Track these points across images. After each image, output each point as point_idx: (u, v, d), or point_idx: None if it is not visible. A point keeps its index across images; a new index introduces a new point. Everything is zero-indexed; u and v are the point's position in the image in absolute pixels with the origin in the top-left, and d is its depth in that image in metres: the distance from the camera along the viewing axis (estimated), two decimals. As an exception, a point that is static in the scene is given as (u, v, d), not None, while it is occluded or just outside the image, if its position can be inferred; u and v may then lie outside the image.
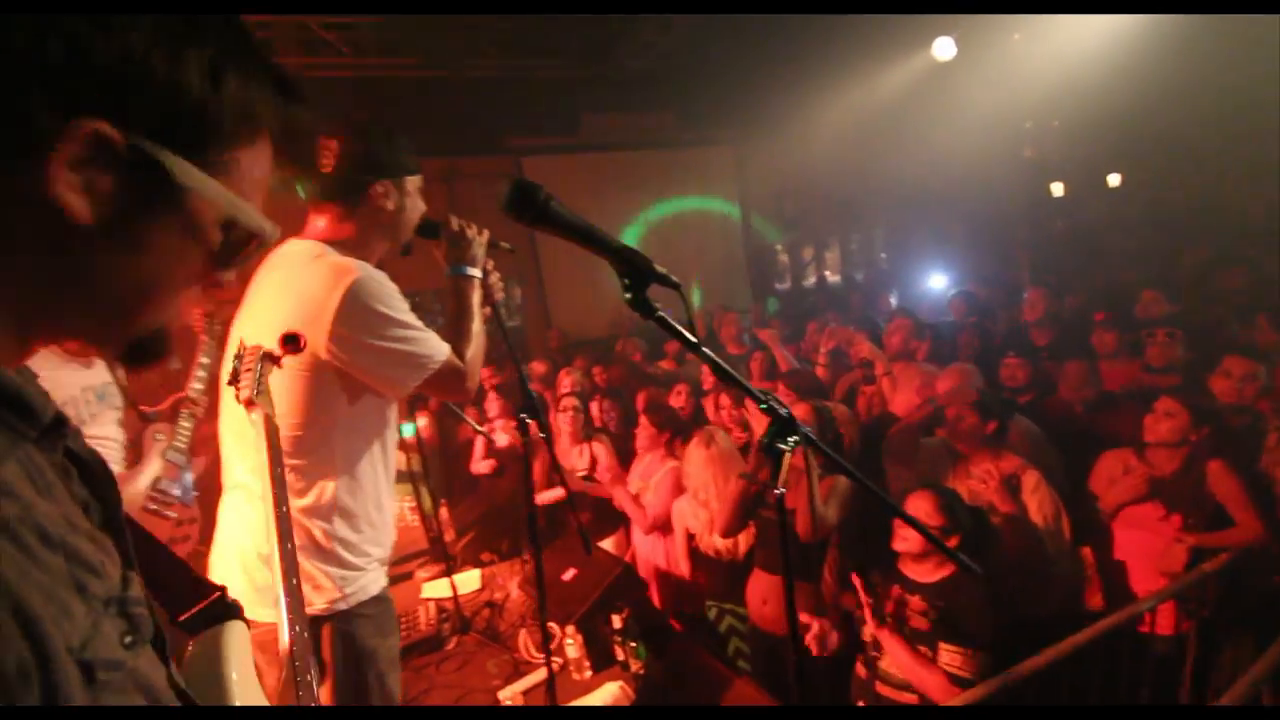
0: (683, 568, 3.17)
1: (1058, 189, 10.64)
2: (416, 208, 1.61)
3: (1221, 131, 7.15)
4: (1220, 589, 2.46)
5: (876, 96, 7.52)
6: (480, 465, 4.37)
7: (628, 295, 0.89)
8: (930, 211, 9.36)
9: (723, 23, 6.17)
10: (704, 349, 0.93)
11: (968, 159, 8.52)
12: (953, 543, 2.17)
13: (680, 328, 0.92)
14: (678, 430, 3.52)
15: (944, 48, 6.55)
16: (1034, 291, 4.75)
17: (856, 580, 2.27)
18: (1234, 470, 2.47)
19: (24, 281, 0.46)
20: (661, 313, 0.91)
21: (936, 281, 7.61)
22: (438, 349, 1.50)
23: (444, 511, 3.70)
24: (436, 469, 4.26)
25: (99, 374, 2.53)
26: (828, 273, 11.40)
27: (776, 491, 0.99)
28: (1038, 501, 2.60)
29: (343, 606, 1.48)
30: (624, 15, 6.11)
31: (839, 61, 7.09)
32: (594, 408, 4.12)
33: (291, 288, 1.43)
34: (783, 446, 0.98)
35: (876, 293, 7.31)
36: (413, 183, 1.59)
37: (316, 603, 1.45)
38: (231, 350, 1.36)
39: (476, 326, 1.63)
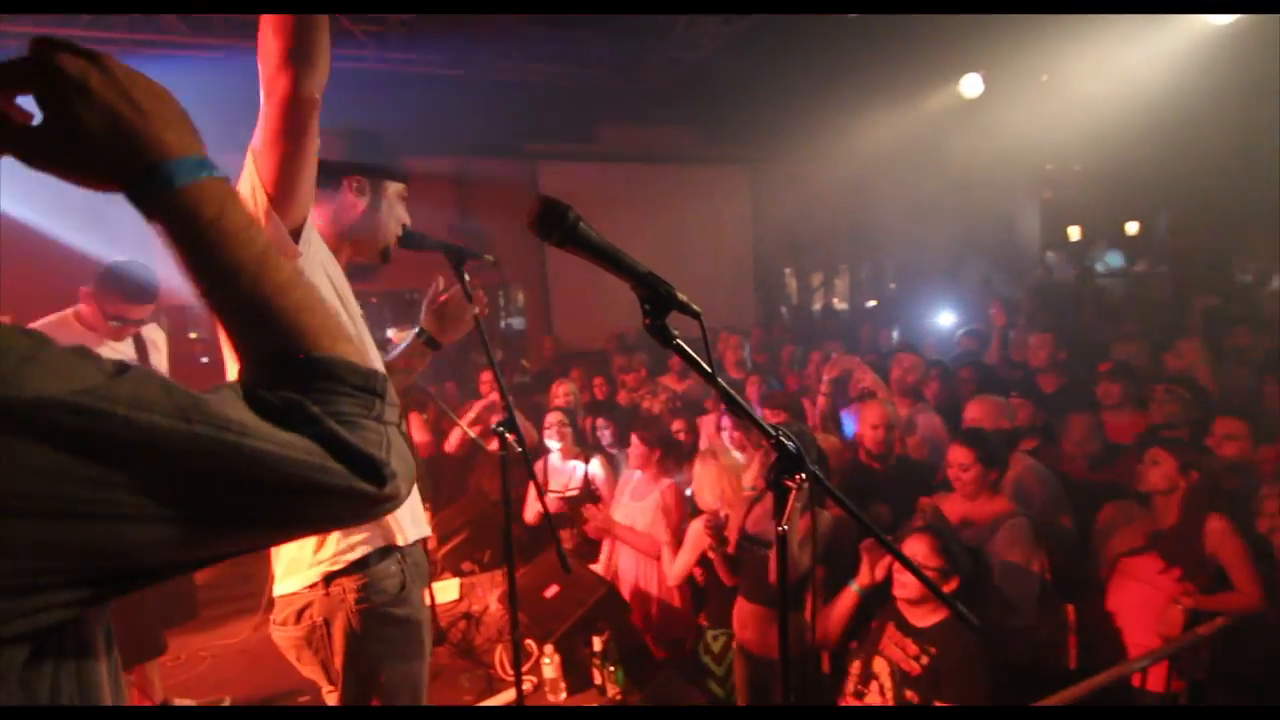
0: (668, 591, 3.16)
1: (1074, 233, 10.76)
2: (394, 214, 1.64)
3: (1241, 186, 7.22)
4: (1215, 653, 2.46)
5: (899, 127, 7.61)
6: (450, 444, 4.39)
7: (647, 321, 0.90)
8: (944, 246, 9.43)
9: (750, 44, 6.25)
10: (719, 380, 0.94)
11: (987, 196, 8.62)
12: (951, 585, 2.17)
13: (696, 357, 0.93)
14: (670, 450, 3.50)
15: (972, 84, 6.63)
16: (1038, 337, 4.68)
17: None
18: (1234, 529, 2.47)
19: None
20: (679, 340, 0.92)
21: (945, 319, 7.64)
22: None
23: (427, 514, 3.69)
24: (422, 467, 4.25)
25: (119, 350, 2.63)
26: (836, 300, 11.47)
27: (780, 528, 0.99)
28: (1005, 546, 2.61)
29: None
30: (651, 30, 6.19)
31: (864, 90, 7.18)
32: (588, 424, 4.11)
33: None
34: (789, 483, 0.99)
35: (884, 324, 7.33)
36: (393, 189, 1.63)
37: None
38: None
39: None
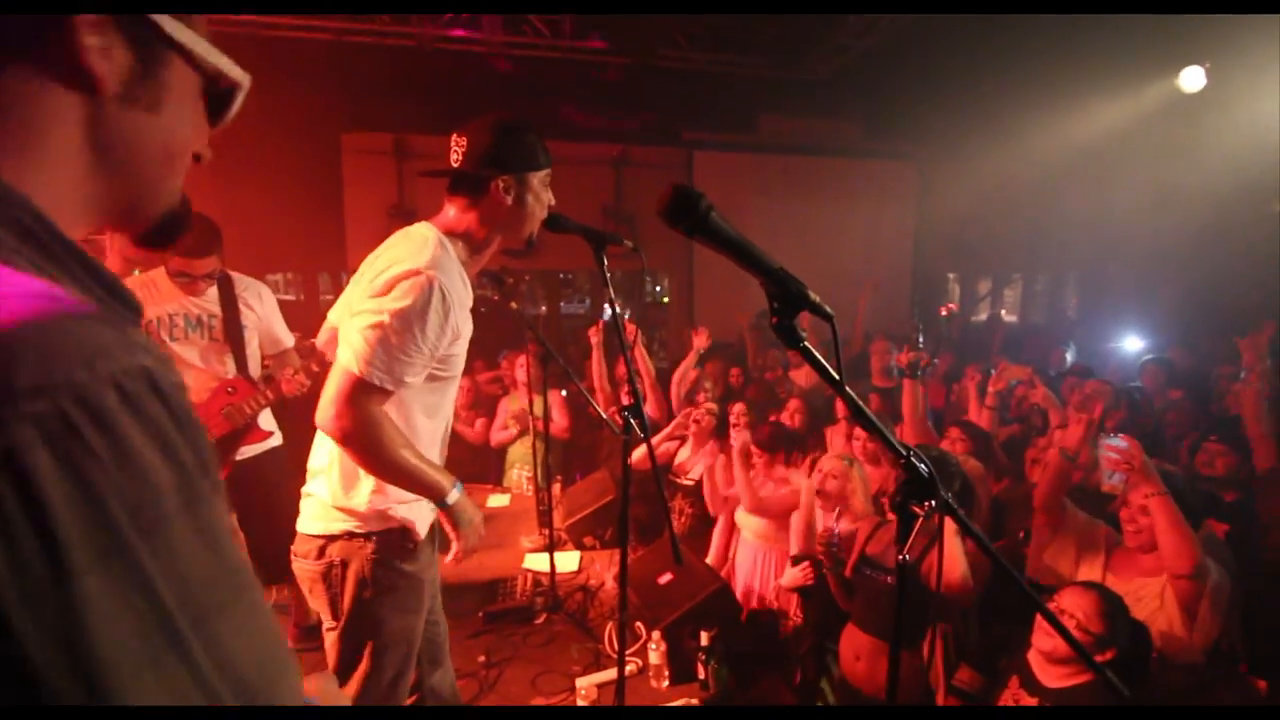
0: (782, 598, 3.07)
1: (1314, 256, 9.07)
2: (540, 201, 1.66)
3: None
4: None
5: (1096, 126, 6.77)
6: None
7: (774, 320, 0.85)
8: (1141, 262, 8.29)
9: (925, 31, 5.81)
10: (846, 389, 0.87)
11: (1201, 208, 7.46)
12: (1105, 657, 1.90)
13: (825, 363, 0.87)
14: (791, 446, 3.40)
15: (1193, 78, 5.76)
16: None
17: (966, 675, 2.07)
18: None
19: (63, 164, 0.48)
20: (806, 343, 0.86)
21: (1131, 343, 6.74)
22: (391, 372, 1.46)
23: (556, 488, 3.82)
24: (558, 448, 4.41)
25: (202, 306, 2.67)
26: (1004, 311, 10.49)
27: (901, 557, 0.91)
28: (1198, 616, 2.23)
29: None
30: (822, 18, 5.94)
31: (1056, 82, 6.44)
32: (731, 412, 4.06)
33: (391, 255, 1.57)
34: (916, 509, 0.90)
35: (1055, 343, 6.59)
36: (537, 178, 1.65)
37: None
38: (348, 292, 1.68)
39: (396, 463, 1.54)
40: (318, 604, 1.69)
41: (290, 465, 3.06)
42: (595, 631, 2.72)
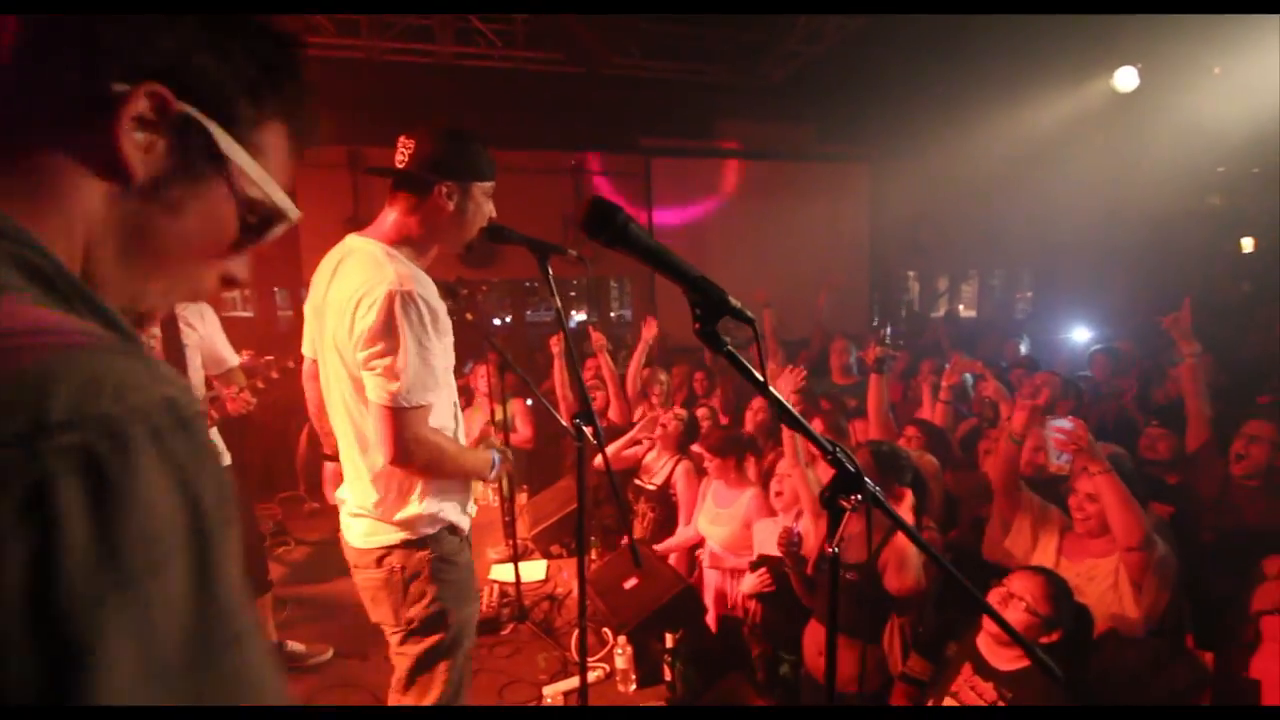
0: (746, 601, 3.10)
1: (1248, 244, 9.46)
2: (480, 211, 1.71)
3: None
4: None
5: (1039, 125, 7.00)
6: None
7: (697, 326, 0.88)
8: (1089, 255, 8.59)
9: (876, 35, 5.97)
10: (771, 390, 0.90)
11: (1142, 202, 7.76)
12: (1052, 638, 1.97)
13: (749, 365, 0.90)
14: (743, 449, 3.34)
15: (1126, 78, 6.00)
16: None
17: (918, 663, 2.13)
18: None
19: (75, 234, 0.49)
20: (730, 348, 0.89)
21: (1079, 334, 6.96)
22: (421, 385, 1.56)
23: (521, 497, 3.81)
24: (522, 458, 4.40)
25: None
26: (961, 306, 10.74)
27: (829, 550, 0.95)
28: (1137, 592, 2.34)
29: None
30: (771, 24, 6.06)
31: (1000, 83, 6.67)
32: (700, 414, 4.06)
33: (351, 284, 1.60)
34: (844, 504, 0.94)
35: (1010, 335, 6.77)
36: (480, 189, 1.69)
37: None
38: (311, 325, 1.74)
39: (452, 463, 1.71)
40: (380, 613, 1.73)
41: (250, 484, 3.02)
42: (562, 639, 2.72)
